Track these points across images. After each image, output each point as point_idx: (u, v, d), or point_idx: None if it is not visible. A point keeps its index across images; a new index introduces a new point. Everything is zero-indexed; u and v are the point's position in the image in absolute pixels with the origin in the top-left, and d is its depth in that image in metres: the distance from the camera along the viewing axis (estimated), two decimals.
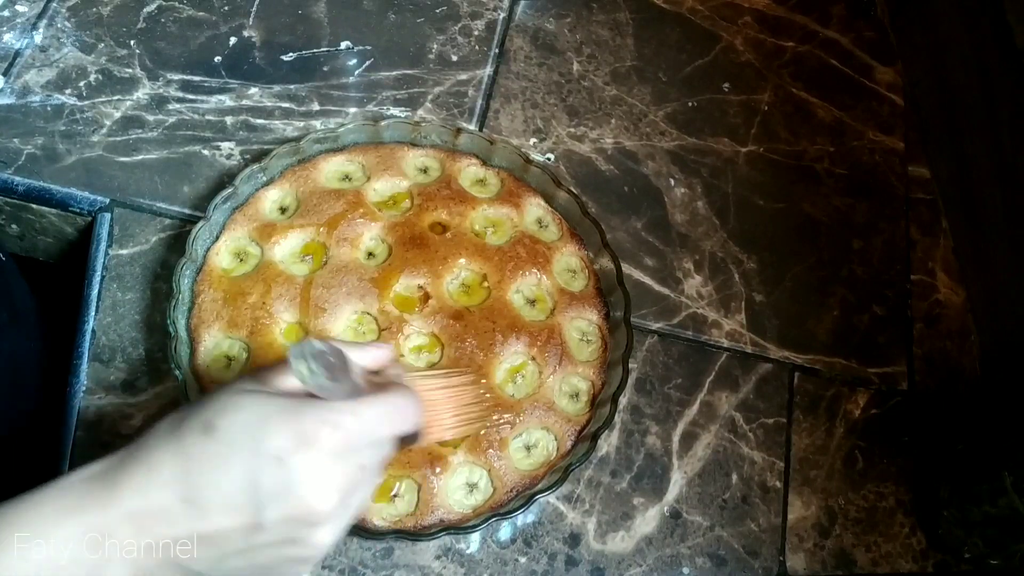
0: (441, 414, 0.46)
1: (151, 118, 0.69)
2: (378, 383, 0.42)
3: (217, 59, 0.73)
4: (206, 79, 0.72)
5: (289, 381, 0.40)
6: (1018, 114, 0.68)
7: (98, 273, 0.62)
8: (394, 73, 0.75)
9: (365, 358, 0.43)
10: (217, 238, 0.62)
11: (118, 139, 0.68)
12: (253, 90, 0.72)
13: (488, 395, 0.57)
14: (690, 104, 0.79)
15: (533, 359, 0.60)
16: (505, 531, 0.59)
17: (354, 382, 0.39)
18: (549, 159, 0.74)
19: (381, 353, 0.44)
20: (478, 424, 0.53)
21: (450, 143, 0.69)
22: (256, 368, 0.42)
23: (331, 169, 0.66)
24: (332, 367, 0.38)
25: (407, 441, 0.43)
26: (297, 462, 0.36)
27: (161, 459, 0.36)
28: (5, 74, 0.69)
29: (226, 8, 0.76)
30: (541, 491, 0.55)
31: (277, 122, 0.71)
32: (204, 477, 0.36)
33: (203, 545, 0.36)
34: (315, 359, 0.37)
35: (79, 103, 0.69)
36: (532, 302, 0.63)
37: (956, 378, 0.71)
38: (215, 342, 0.58)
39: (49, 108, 0.68)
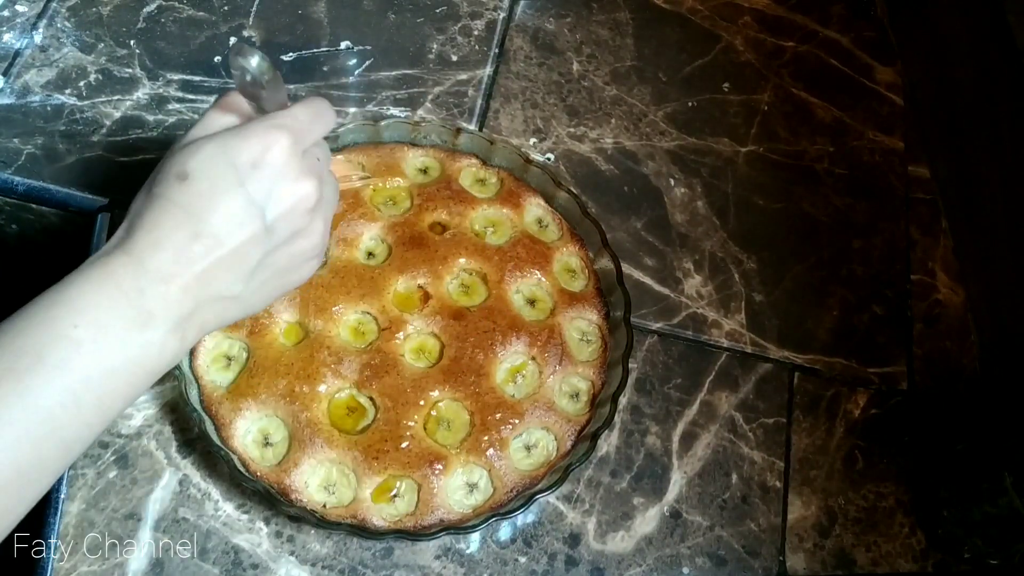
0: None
1: (151, 118, 0.69)
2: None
3: (217, 59, 0.73)
4: (206, 79, 0.72)
5: (226, 118, 0.43)
6: (1018, 114, 0.68)
7: None
8: (394, 73, 0.75)
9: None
10: None
11: (118, 139, 0.68)
12: None
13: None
14: (690, 104, 0.79)
15: (533, 359, 0.60)
16: (505, 531, 0.59)
17: (284, 95, 0.44)
18: (549, 159, 0.74)
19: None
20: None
21: (450, 143, 0.69)
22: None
23: None
24: (270, 71, 0.41)
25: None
26: (270, 161, 0.40)
27: (157, 217, 0.39)
28: (5, 74, 0.69)
29: (226, 8, 0.76)
30: (541, 491, 0.55)
31: None
32: (204, 212, 0.39)
33: (228, 268, 0.40)
34: (255, 59, 0.41)
35: (79, 103, 0.69)
36: (532, 302, 0.63)
37: (956, 378, 0.71)
38: (215, 342, 0.57)
39: (49, 108, 0.68)
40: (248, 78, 0.42)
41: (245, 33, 0.74)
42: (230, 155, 0.39)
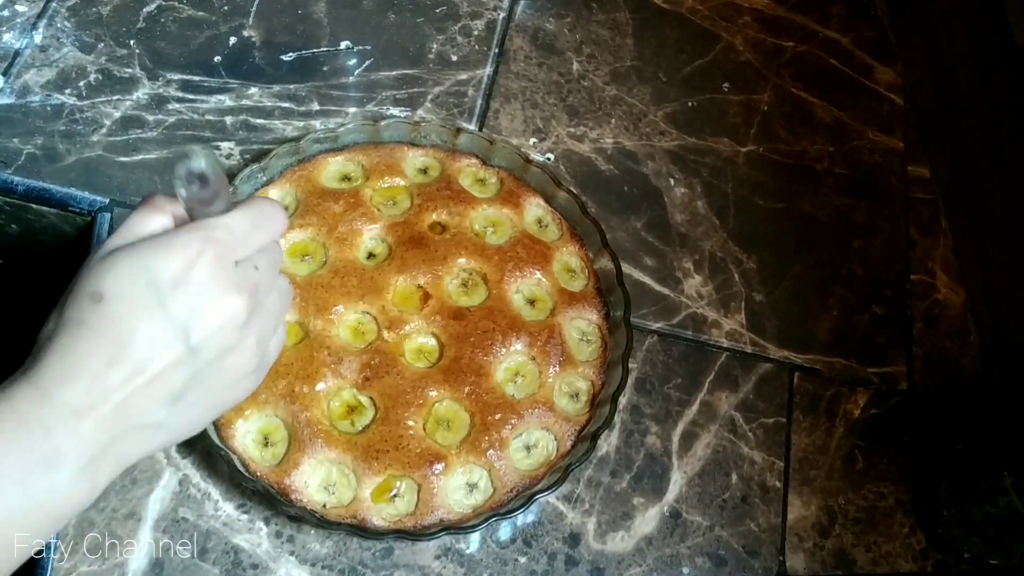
0: None
1: (151, 118, 0.69)
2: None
3: (217, 59, 0.73)
4: (206, 79, 0.72)
5: (151, 223, 0.39)
6: (1018, 114, 0.68)
7: None
8: (394, 73, 0.75)
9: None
10: None
11: (118, 139, 0.68)
12: (253, 90, 0.72)
13: None
14: (690, 104, 0.79)
15: (533, 359, 0.60)
16: (505, 531, 0.59)
17: (229, 199, 0.39)
18: (549, 159, 0.74)
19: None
20: None
21: (450, 143, 0.69)
22: (115, 225, 0.40)
23: (331, 169, 0.66)
24: (212, 181, 0.37)
25: None
26: (194, 277, 0.36)
27: (69, 343, 0.35)
28: (5, 74, 0.69)
29: (226, 8, 0.76)
30: (541, 491, 0.55)
31: (277, 122, 0.71)
32: (121, 336, 0.35)
33: (149, 395, 0.36)
34: (198, 166, 0.37)
35: (79, 103, 0.69)
36: (532, 302, 0.63)
37: (956, 378, 0.71)
38: None
39: (49, 108, 0.68)
40: (194, 183, 0.37)
41: (245, 33, 0.74)
42: (150, 272, 0.36)
